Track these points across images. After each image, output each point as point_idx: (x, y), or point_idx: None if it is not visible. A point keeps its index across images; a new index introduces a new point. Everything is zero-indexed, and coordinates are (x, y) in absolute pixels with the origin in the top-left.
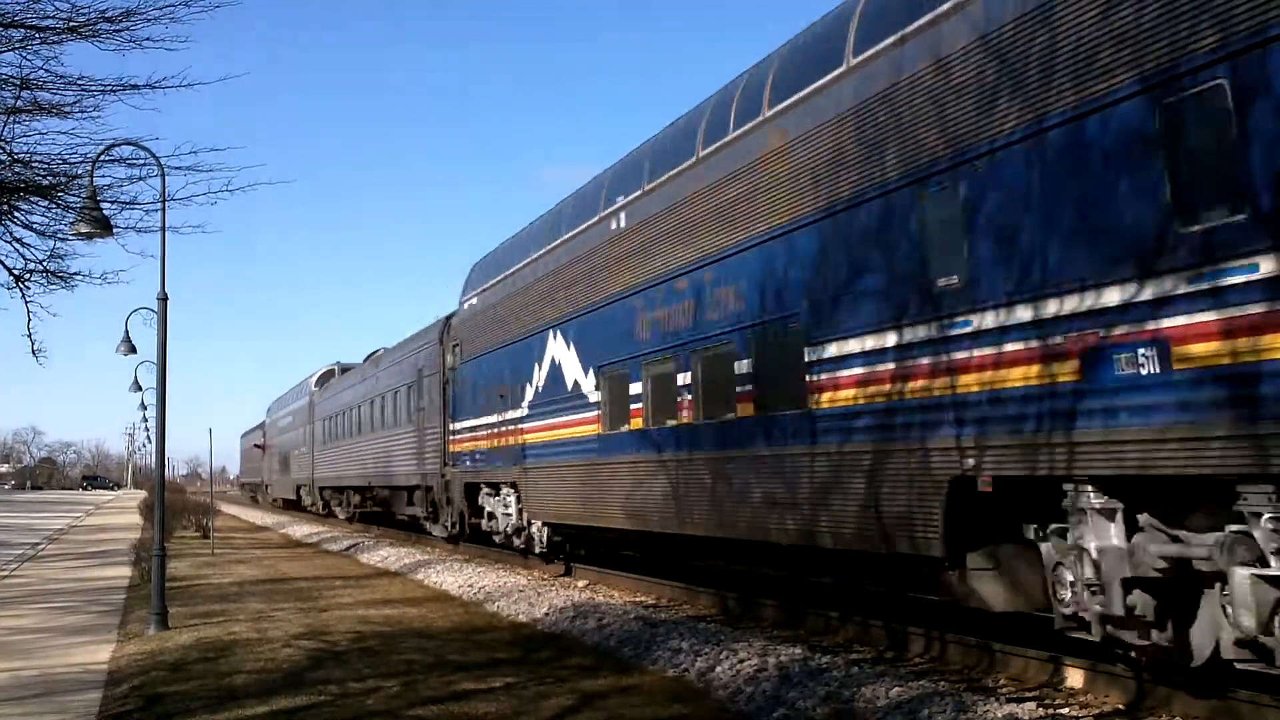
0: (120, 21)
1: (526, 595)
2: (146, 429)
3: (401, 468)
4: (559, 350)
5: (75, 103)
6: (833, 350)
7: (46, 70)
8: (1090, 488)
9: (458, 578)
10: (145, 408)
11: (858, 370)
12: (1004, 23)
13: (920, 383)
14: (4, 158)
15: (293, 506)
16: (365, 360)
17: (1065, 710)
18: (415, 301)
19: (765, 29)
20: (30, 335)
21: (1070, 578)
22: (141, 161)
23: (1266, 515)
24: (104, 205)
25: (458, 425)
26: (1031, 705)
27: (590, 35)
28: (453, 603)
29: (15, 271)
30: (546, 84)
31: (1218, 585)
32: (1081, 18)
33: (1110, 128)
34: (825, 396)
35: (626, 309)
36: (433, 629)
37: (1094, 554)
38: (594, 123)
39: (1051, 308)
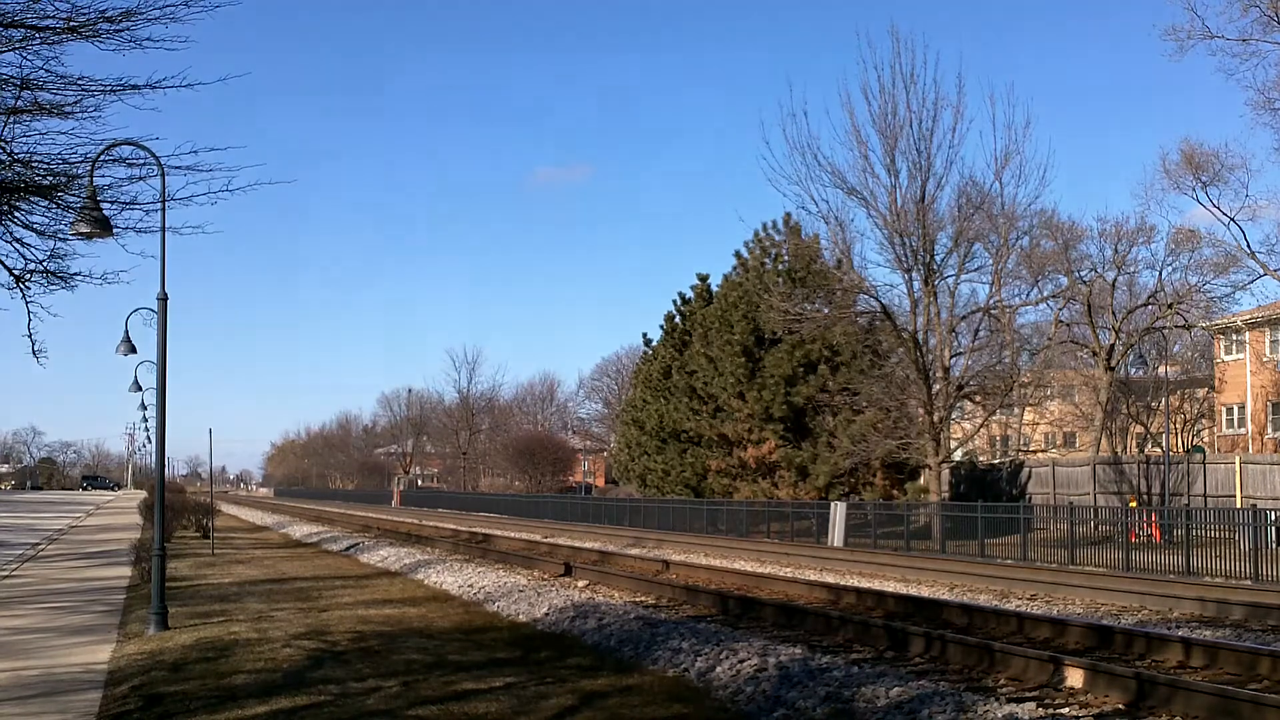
0: (120, 21)
1: (526, 595)
2: (147, 429)
3: None
4: None
5: (75, 103)
6: None
7: (47, 70)
8: None
9: (457, 578)
10: (145, 408)
11: None
12: None
13: None
14: (4, 158)
15: None
16: None
17: (1065, 710)
18: (423, 305)
19: (767, 29)
20: (30, 336)
21: None
22: (141, 161)
23: None
24: (104, 205)
25: None
26: (1031, 705)
27: (590, 34)
28: (453, 602)
29: (15, 272)
30: (544, 82)
31: None
32: None
33: None
34: None
35: None
36: (433, 629)
37: None
38: (592, 121)
39: None
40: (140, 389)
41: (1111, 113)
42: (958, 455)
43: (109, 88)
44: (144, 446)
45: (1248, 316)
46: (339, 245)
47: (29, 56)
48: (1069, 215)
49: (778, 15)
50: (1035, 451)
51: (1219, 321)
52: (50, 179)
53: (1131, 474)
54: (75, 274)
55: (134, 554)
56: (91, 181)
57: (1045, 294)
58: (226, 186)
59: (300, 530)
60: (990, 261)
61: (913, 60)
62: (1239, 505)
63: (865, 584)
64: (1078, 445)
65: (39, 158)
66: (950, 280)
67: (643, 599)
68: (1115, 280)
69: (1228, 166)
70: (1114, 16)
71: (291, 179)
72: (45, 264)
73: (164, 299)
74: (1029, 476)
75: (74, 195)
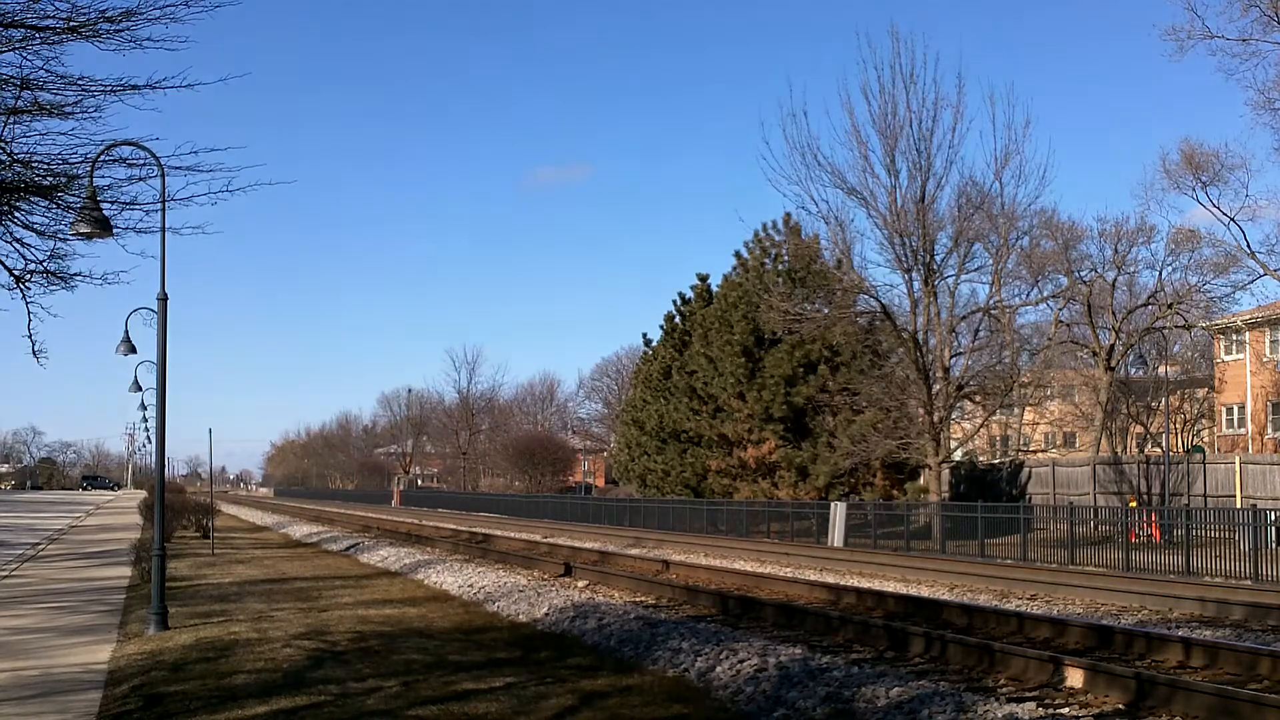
0: (120, 21)
1: (526, 595)
2: (147, 429)
3: None
4: None
5: (75, 103)
6: None
7: (47, 70)
8: None
9: (457, 578)
10: (145, 408)
11: None
12: None
13: None
14: (4, 158)
15: None
16: None
17: (1065, 710)
18: (423, 305)
19: (767, 29)
20: (30, 336)
21: None
22: (141, 161)
23: None
24: (104, 205)
25: None
26: (1031, 705)
27: (590, 34)
28: (452, 603)
29: (16, 272)
30: (544, 82)
31: None
32: None
33: None
34: None
35: None
36: (433, 629)
37: None
38: (590, 120)
39: None
40: (140, 389)
41: (1111, 113)
42: (958, 455)
43: (109, 88)
44: (144, 446)
45: (1248, 316)
46: (339, 245)
47: (29, 56)
48: (1069, 215)
49: (778, 15)
50: (1035, 451)
51: (1219, 321)
52: (50, 179)
53: (1131, 474)
54: (75, 274)
55: (134, 554)
56: (91, 182)
57: (1045, 294)
58: (226, 187)
59: (300, 530)
60: (990, 261)
61: (913, 60)
62: (1239, 505)
63: (865, 584)
64: (1078, 445)
65: (39, 158)
66: (950, 280)
67: (643, 599)
68: (1115, 280)
69: (1228, 166)
70: (1114, 17)
71: (291, 179)
72: (45, 264)
73: (164, 299)
74: (1029, 476)
75: (74, 195)
